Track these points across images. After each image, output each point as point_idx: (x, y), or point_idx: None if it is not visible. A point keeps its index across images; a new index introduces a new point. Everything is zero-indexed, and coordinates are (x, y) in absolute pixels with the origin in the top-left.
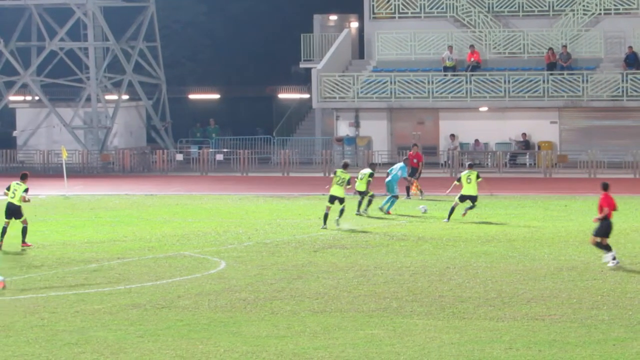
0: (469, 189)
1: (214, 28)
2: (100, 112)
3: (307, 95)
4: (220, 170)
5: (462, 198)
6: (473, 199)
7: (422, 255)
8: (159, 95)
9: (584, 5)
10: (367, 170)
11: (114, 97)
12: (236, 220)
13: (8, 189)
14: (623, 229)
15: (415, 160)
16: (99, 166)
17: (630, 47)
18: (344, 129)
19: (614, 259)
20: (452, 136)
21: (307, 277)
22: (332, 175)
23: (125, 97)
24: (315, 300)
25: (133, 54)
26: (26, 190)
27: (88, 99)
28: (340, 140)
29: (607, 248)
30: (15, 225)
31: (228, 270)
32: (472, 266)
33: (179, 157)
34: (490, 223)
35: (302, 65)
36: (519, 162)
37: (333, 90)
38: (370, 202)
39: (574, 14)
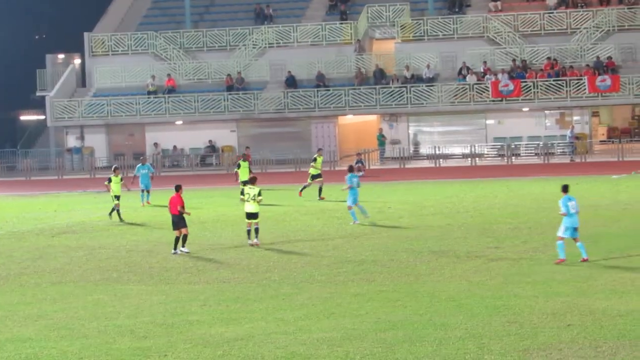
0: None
1: None
2: None
3: (43, 117)
4: None
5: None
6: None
7: (135, 236)
8: None
9: (253, 41)
10: None
11: None
12: None
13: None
14: (287, 211)
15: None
16: None
17: (289, 72)
18: (72, 141)
19: (175, 252)
20: (156, 144)
21: (47, 257)
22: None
23: None
24: (54, 274)
25: None
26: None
27: None
28: (70, 150)
29: (178, 241)
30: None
31: None
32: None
33: None
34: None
35: (39, 93)
36: (207, 162)
37: (63, 112)
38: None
39: (245, 48)
